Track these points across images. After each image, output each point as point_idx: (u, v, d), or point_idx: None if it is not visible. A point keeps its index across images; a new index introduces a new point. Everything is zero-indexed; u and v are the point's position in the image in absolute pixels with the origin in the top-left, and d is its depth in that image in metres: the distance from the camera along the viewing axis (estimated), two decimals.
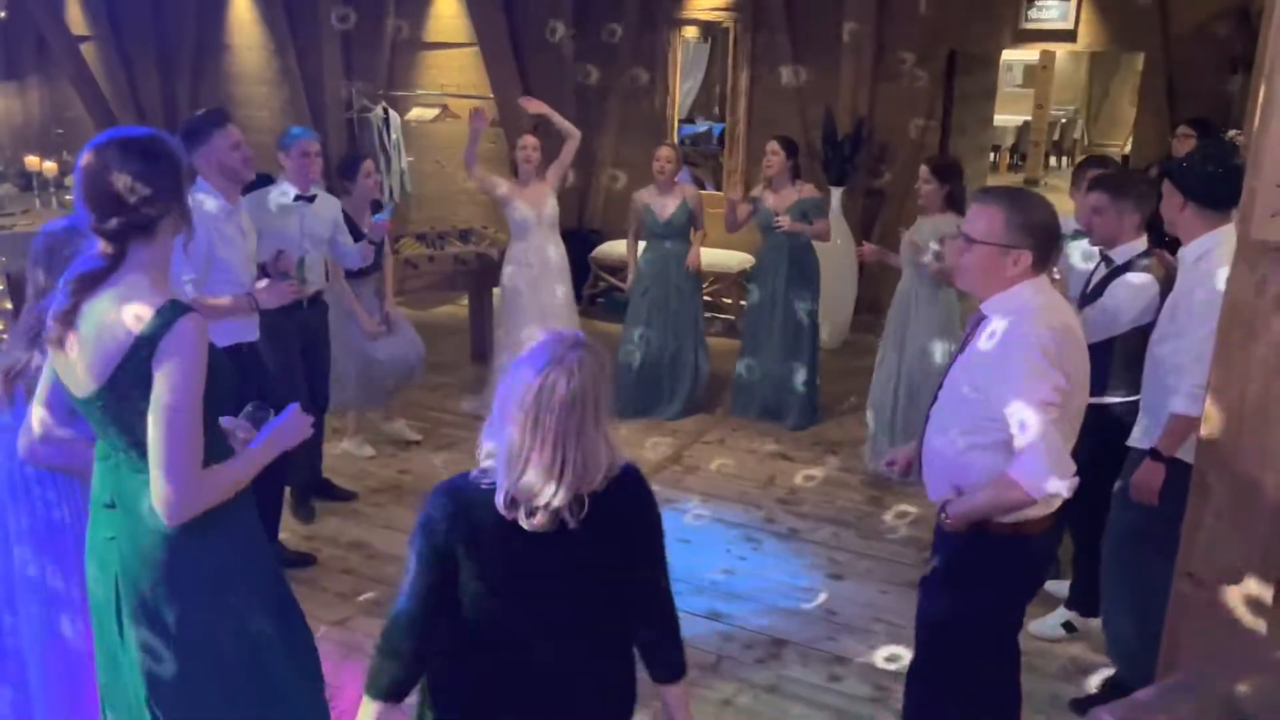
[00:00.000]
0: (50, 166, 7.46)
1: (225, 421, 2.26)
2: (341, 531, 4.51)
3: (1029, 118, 13.95)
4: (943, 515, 2.56)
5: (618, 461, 1.87)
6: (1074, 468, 2.34)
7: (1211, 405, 2.37)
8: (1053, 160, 14.55)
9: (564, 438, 1.75)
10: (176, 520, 1.99)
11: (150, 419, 1.96)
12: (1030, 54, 13.69)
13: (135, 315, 1.96)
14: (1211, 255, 2.87)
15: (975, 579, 2.55)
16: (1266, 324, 2.25)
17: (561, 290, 5.60)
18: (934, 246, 4.76)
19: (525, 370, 1.79)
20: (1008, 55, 9.36)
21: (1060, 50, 11.09)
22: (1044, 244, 2.42)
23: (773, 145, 5.46)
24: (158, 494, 1.97)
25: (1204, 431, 2.40)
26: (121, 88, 9.76)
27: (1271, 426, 2.28)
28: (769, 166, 5.45)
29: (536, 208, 5.44)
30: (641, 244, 5.87)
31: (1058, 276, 3.36)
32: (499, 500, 1.80)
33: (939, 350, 4.75)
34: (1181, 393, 2.89)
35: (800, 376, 5.65)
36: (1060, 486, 2.31)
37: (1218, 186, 2.90)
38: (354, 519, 4.63)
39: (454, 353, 6.95)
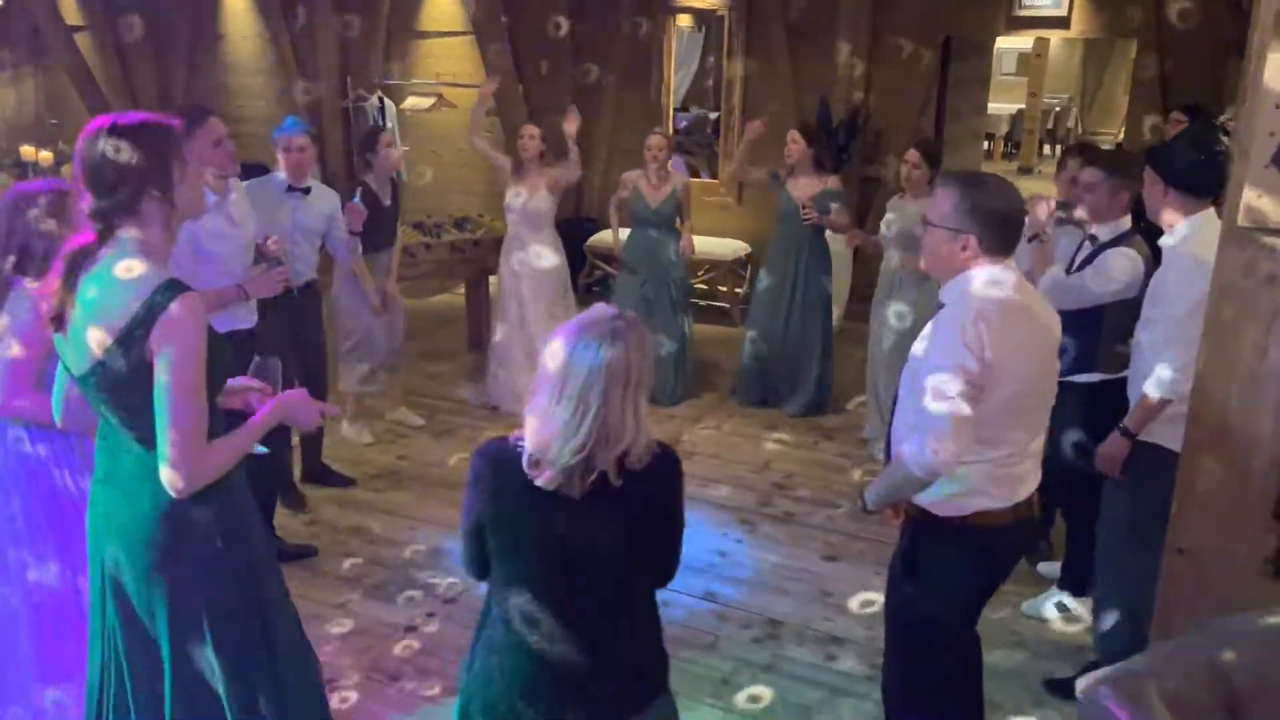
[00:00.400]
0: (46, 156, 7.46)
1: (237, 381, 2.31)
2: (341, 517, 4.54)
3: (1023, 106, 13.98)
4: (859, 501, 2.59)
5: (649, 443, 1.88)
6: (954, 452, 2.29)
7: (1201, 383, 2.41)
8: (1046, 148, 14.59)
9: (585, 401, 1.78)
10: (184, 494, 2.05)
11: (156, 398, 2.00)
12: (1024, 42, 13.72)
13: (132, 294, 1.99)
14: (1190, 241, 2.87)
15: (927, 568, 2.58)
16: (1255, 304, 2.28)
17: (549, 281, 5.61)
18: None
19: (564, 335, 1.84)
20: (1002, 44, 9.39)
21: (1054, 37, 11.11)
22: (993, 229, 2.38)
23: (793, 134, 5.47)
24: (166, 470, 2.02)
25: (1194, 409, 2.44)
26: (116, 77, 9.73)
27: (1259, 404, 2.32)
28: (789, 155, 5.45)
29: (524, 198, 5.48)
30: (624, 231, 5.91)
31: (1047, 238, 3.37)
32: (524, 459, 1.85)
33: (916, 333, 4.79)
34: (1153, 375, 2.90)
35: (815, 362, 5.68)
36: (938, 465, 2.28)
37: (1199, 173, 2.89)
38: (353, 504, 4.66)
39: (451, 341, 6.98)
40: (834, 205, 5.42)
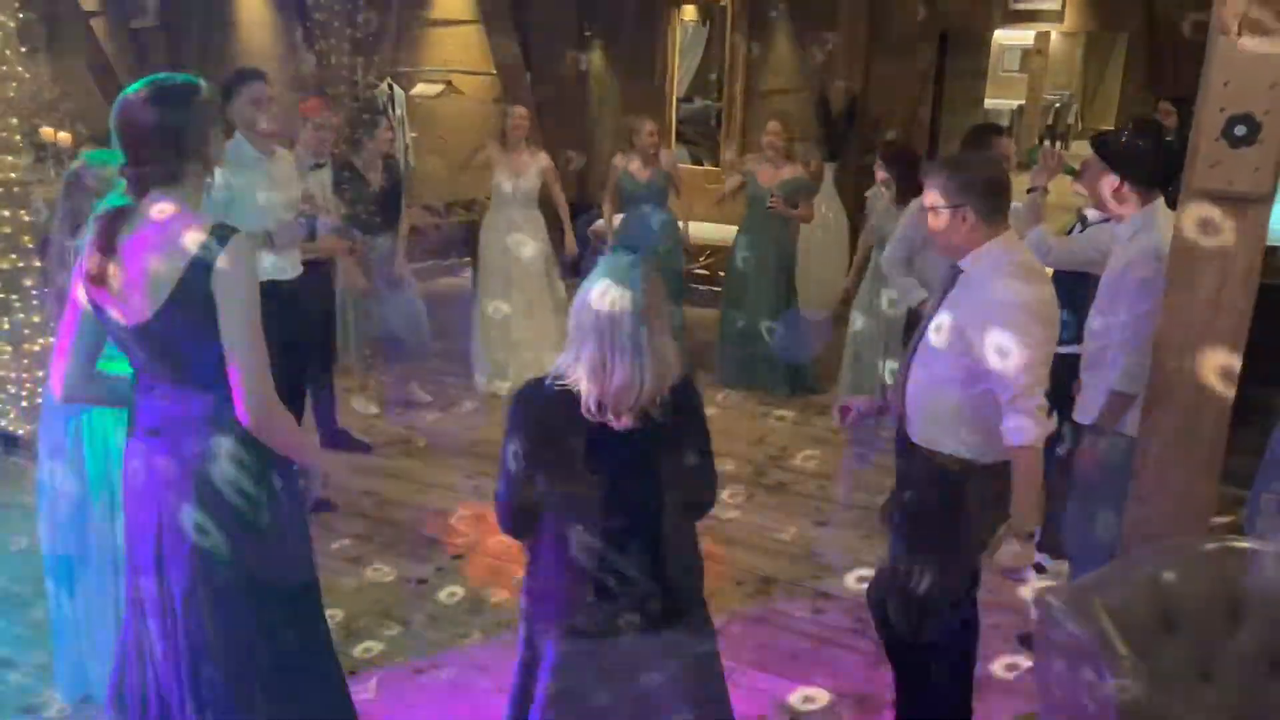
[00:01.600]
0: (65, 137, 7.64)
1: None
2: (352, 482, 4.71)
3: (1023, 102, 14.14)
4: (1003, 547, 2.50)
5: (681, 367, 2.07)
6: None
7: (1162, 339, 2.59)
8: (1046, 144, 14.73)
9: (639, 344, 1.96)
10: (262, 422, 2.16)
11: (228, 338, 2.11)
12: (1025, 38, 13.86)
13: (189, 238, 2.09)
14: (1146, 232, 2.90)
15: (954, 515, 2.60)
16: (1208, 266, 2.47)
17: (534, 260, 5.81)
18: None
19: (591, 291, 1.99)
20: (1006, 41, 9.53)
21: (1050, 30, 11.24)
22: (987, 197, 2.51)
23: (773, 125, 5.70)
24: (244, 399, 2.13)
25: (1154, 364, 2.62)
26: (131, 63, 9.90)
27: (1211, 359, 2.50)
28: (769, 145, 5.68)
29: (514, 178, 5.67)
30: (618, 217, 6.09)
31: (1047, 193, 3.47)
32: (587, 405, 1.99)
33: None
34: (1120, 370, 2.93)
35: (803, 343, 5.87)
36: (1039, 430, 2.40)
37: (1150, 163, 2.93)
38: (364, 470, 4.85)
39: (456, 321, 7.16)
40: (799, 193, 5.70)
